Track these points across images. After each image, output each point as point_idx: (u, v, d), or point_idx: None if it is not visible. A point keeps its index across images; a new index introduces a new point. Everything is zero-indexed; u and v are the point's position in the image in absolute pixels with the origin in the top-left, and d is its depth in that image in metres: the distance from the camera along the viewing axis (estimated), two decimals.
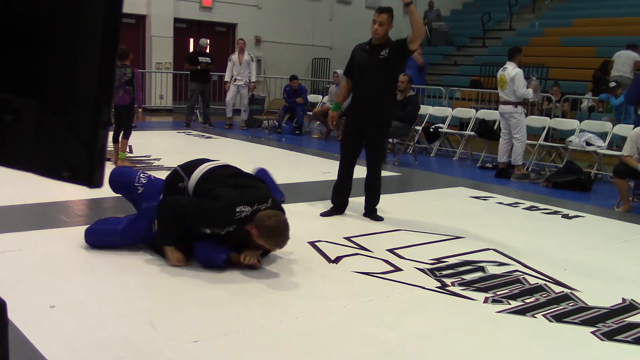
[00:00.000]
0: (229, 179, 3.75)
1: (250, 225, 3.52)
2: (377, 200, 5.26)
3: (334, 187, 5.31)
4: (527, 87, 7.91)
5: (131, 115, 7.20)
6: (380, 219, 5.17)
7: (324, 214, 5.21)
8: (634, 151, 6.05)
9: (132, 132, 7.32)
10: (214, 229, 3.57)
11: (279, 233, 3.53)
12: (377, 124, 5.12)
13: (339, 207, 5.28)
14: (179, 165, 3.92)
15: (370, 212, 5.23)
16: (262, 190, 3.74)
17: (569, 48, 13.93)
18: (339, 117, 8.71)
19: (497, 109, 10.08)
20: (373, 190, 5.24)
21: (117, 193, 4.19)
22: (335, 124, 5.77)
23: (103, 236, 3.87)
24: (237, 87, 11.98)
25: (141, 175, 4.02)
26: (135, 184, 3.97)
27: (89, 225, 3.99)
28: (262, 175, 4.30)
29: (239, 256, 3.60)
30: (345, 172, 5.23)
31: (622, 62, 11.01)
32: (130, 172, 4.18)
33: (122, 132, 7.06)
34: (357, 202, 5.79)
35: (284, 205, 3.94)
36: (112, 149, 7.13)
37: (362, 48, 5.14)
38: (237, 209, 3.49)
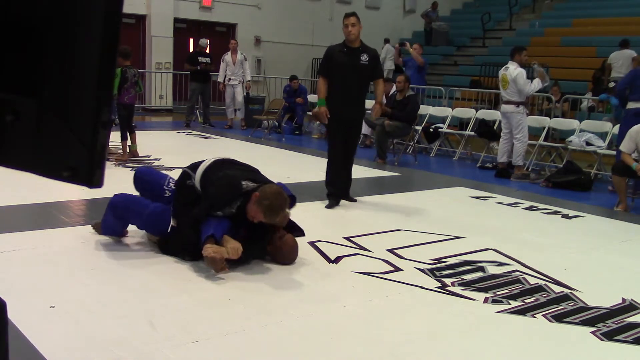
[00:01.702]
0: (233, 166, 3.89)
1: (254, 193, 3.57)
2: (350, 184, 5.87)
3: (328, 182, 5.69)
4: (534, 79, 7.82)
5: (133, 112, 7.70)
6: (354, 200, 5.81)
7: (328, 207, 5.56)
8: (632, 148, 6.03)
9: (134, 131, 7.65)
10: (224, 208, 3.60)
11: (279, 199, 3.55)
12: (359, 120, 5.80)
13: (337, 197, 5.68)
14: (185, 167, 3.96)
15: (347, 195, 5.79)
16: (265, 178, 3.88)
17: (569, 48, 13.93)
18: None
19: (497, 109, 10.11)
20: (349, 176, 5.83)
21: (138, 190, 4.19)
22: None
23: (130, 211, 3.92)
24: (232, 87, 11.97)
25: (170, 180, 4.06)
26: (164, 187, 4.01)
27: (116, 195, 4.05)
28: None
29: (214, 247, 3.46)
30: (337, 166, 5.68)
31: (620, 63, 11.03)
32: (160, 174, 4.23)
33: (129, 128, 7.50)
34: (357, 201, 5.79)
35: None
36: (119, 147, 7.42)
37: (340, 50, 5.59)
38: (243, 183, 3.60)
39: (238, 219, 3.64)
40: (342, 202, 5.71)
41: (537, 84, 7.75)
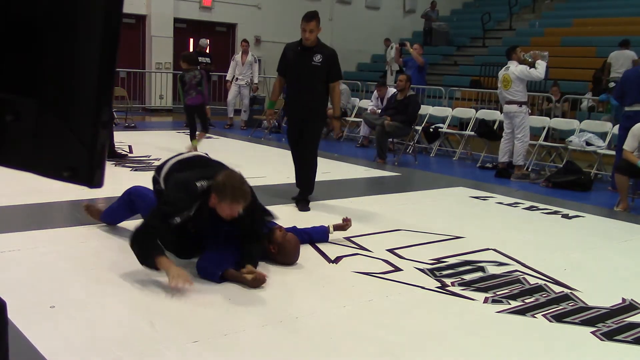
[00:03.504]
0: (190, 166, 3.68)
1: (210, 197, 3.34)
2: (309, 190, 5.51)
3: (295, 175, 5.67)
4: (532, 65, 7.80)
5: (205, 112, 7.92)
6: (307, 209, 5.34)
7: (301, 210, 5.35)
8: (635, 146, 6.07)
9: (135, 131, 7.61)
10: (181, 213, 3.33)
11: (233, 185, 3.31)
12: (315, 119, 5.45)
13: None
14: (154, 172, 3.86)
15: (299, 201, 5.43)
16: (223, 169, 3.62)
17: (569, 48, 13.93)
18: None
19: (497, 109, 10.12)
20: (306, 180, 5.50)
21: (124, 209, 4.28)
22: (271, 119, 6.10)
23: (142, 199, 4.05)
24: (238, 87, 12.01)
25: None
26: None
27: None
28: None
29: (237, 273, 3.45)
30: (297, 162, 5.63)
31: (620, 63, 11.02)
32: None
33: (200, 127, 7.93)
34: (356, 201, 5.79)
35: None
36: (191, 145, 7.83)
37: (294, 49, 5.42)
38: (197, 184, 3.36)
39: (210, 223, 3.50)
40: (342, 202, 5.70)
41: (540, 66, 7.70)
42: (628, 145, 6.11)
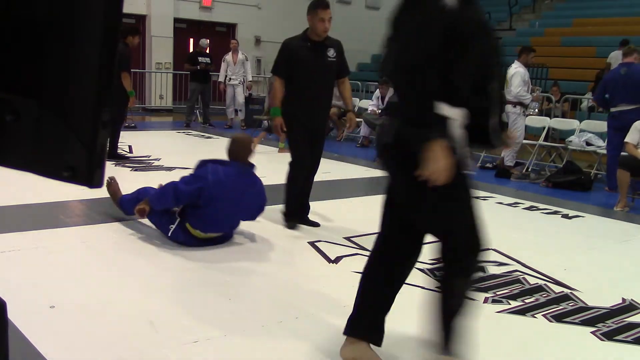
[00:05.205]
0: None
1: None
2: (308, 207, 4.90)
3: (288, 212, 4.78)
4: (530, 94, 7.96)
5: None
6: (317, 224, 4.80)
7: (290, 227, 4.70)
8: (636, 140, 6.13)
9: (134, 131, 7.60)
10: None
11: None
12: (324, 126, 4.88)
13: (302, 211, 4.85)
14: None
15: (308, 222, 4.80)
16: None
17: (569, 48, 13.93)
18: (339, 117, 8.66)
19: None
20: (308, 194, 4.85)
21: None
22: (284, 129, 4.68)
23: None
24: (232, 87, 11.98)
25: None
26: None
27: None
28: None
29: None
30: (299, 189, 4.76)
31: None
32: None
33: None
34: (356, 202, 5.79)
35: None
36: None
37: (302, 45, 4.63)
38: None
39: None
40: (343, 202, 5.70)
41: (528, 96, 8.01)
42: (630, 137, 6.20)
